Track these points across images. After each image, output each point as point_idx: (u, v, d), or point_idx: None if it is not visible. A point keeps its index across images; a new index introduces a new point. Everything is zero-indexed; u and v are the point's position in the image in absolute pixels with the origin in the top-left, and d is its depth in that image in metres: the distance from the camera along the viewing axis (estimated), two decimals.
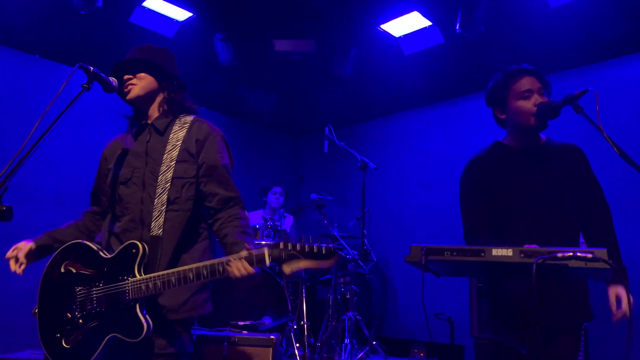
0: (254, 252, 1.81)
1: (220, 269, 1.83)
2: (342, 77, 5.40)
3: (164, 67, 2.23)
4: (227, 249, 2.03)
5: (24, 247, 2.13)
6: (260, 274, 1.88)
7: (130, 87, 2.18)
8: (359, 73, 5.45)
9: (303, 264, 1.75)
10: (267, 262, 1.79)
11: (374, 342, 4.75)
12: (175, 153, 2.13)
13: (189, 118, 2.26)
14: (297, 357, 4.33)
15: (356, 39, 5.22)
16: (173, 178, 2.09)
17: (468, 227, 2.25)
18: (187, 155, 2.14)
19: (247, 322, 3.82)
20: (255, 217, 5.35)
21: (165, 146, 2.15)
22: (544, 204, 2.18)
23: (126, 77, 2.19)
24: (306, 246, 1.75)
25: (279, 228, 4.83)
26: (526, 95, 2.21)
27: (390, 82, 5.72)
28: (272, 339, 3.28)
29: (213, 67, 5.40)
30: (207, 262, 1.86)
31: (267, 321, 3.97)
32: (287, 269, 1.76)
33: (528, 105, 2.20)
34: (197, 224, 2.16)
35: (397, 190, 6.29)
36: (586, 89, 1.98)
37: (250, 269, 1.81)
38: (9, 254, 2.12)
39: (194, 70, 5.49)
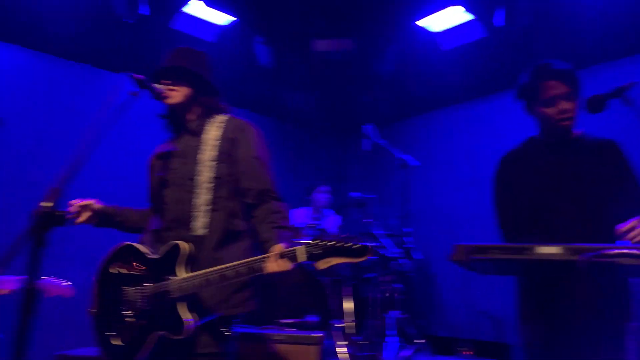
0: (289, 249, 1.86)
1: (257, 266, 1.89)
2: (381, 75, 5.38)
3: (201, 75, 2.29)
4: (261, 247, 2.08)
5: (87, 201, 2.25)
6: (297, 270, 1.95)
7: (168, 93, 2.23)
8: (399, 70, 5.42)
9: (337, 260, 1.80)
10: (302, 258, 1.84)
11: (419, 341, 4.71)
12: (212, 153, 2.18)
13: (223, 117, 2.31)
14: (342, 355, 4.35)
15: (394, 35, 5.20)
16: (212, 178, 2.15)
17: (500, 222, 2.22)
18: (223, 154, 2.19)
19: (292, 320, 3.86)
20: (299, 215, 5.40)
21: (200, 147, 2.21)
22: (573, 199, 2.12)
23: (164, 82, 2.24)
24: (339, 243, 1.79)
25: (322, 227, 4.86)
26: (550, 102, 2.15)
27: (429, 79, 5.65)
28: (318, 336, 3.31)
29: (254, 70, 5.48)
30: (245, 260, 1.91)
31: (311, 319, 4.01)
32: (322, 265, 1.81)
33: (552, 112, 2.15)
34: (238, 223, 2.19)
35: (441, 188, 6.22)
36: (635, 82, 1.91)
37: (286, 266, 1.85)
38: (74, 201, 2.23)
39: (235, 73, 5.58)
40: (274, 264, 1.86)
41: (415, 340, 4.67)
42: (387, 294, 4.95)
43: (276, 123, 6.95)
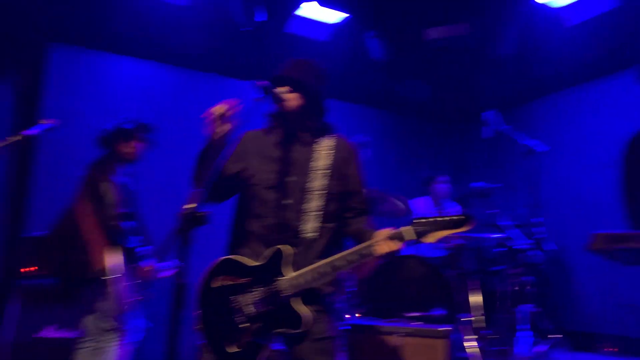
0: (397, 230, 2.04)
1: (367, 251, 2.06)
2: (499, 58, 5.15)
3: (314, 87, 2.36)
4: (359, 238, 2.25)
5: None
6: (422, 264, 2.02)
7: (286, 97, 2.31)
8: (519, 51, 5.15)
9: (442, 233, 1.99)
10: (410, 236, 2.02)
11: (555, 336, 4.45)
12: (323, 167, 2.30)
13: (332, 135, 2.42)
14: (471, 349, 4.24)
15: (512, 15, 4.94)
16: (323, 186, 2.27)
17: (630, 208, 2.02)
18: (334, 168, 2.31)
19: (417, 314, 3.84)
20: (419, 205, 5.34)
21: (311, 159, 2.32)
22: None
23: (281, 89, 2.30)
24: (440, 217, 2.00)
25: None
26: None
27: (553, 58, 5.30)
28: (445, 330, 3.26)
29: (367, 64, 5.51)
30: (353, 249, 2.09)
31: (437, 313, 3.95)
32: (431, 238, 2.00)
33: None
34: (337, 233, 2.35)
35: (572, 173, 5.80)
36: None
37: (396, 246, 2.03)
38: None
39: (349, 69, 5.65)
40: (384, 246, 2.03)
41: (550, 335, 4.42)
42: (517, 287, 4.73)
43: (393, 115, 6.93)
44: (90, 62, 5.21)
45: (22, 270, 3.78)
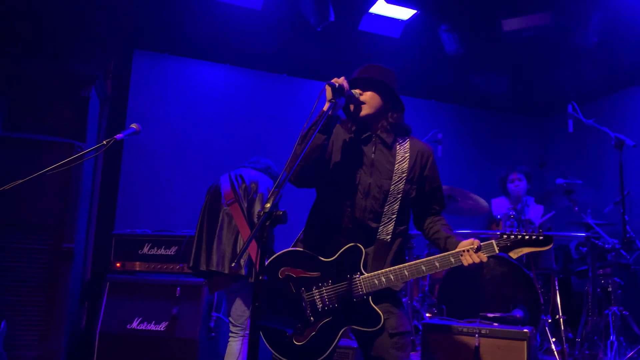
0: (485, 243, 2.14)
1: (453, 260, 2.14)
2: (584, 48, 4.88)
3: (393, 90, 2.34)
4: (441, 242, 2.32)
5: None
6: (505, 263, 2.10)
7: (364, 99, 2.30)
8: (604, 40, 4.86)
9: (526, 249, 2.15)
10: (495, 251, 2.14)
11: None
12: (404, 170, 2.31)
13: (409, 138, 2.42)
14: (555, 353, 4.07)
15: (598, 2, 4.67)
16: (401, 189, 2.29)
17: None
18: (413, 172, 2.33)
19: (497, 315, 3.73)
20: (497, 205, 5.18)
21: (392, 161, 2.32)
22: None
23: (359, 91, 2.30)
24: (525, 235, 2.15)
25: (523, 217, 4.58)
26: None
27: None
28: (526, 332, 3.15)
29: (441, 59, 5.41)
30: (438, 255, 2.16)
31: (518, 314, 3.82)
32: (513, 255, 2.16)
33: None
34: (406, 233, 2.41)
35: None
36: None
37: (483, 258, 2.11)
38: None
39: (422, 65, 5.58)
40: (469, 258, 2.11)
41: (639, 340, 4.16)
42: (605, 289, 4.48)
43: (469, 110, 6.77)
44: (171, 68, 5.47)
45: (117, 265, 4.04)
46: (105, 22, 4.73)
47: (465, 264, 2.11)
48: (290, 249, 2.37)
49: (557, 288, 4.57)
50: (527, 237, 2.14)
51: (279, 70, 5.82)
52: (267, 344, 2.21)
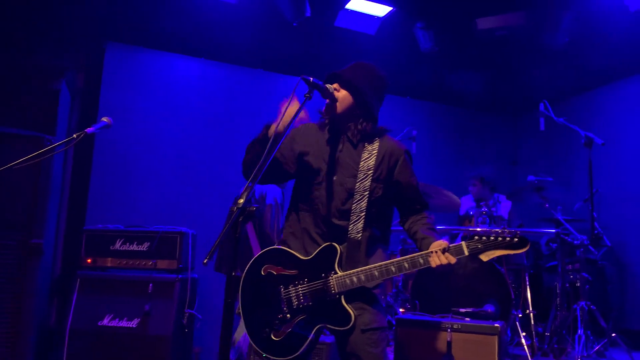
0: (454, 245, 2.08)
1: (422, 260, 2.12)
2: (556, 48, 4.96)
3: (365, 89, 2.31)
4: (418, 243, 2.30)
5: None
6: (476, 259, 2.07)
7: (337, 94, 2.28)
8: (575, 40, 4.95)
9: (499, 252, 2.05)
10: (466, 253, 2.07)
11: (613, 334, 4.29)
12: (370, 167, 2.28)
13: (379, 137, 2.37)
14: (525, 347, 4.15)
15: (569, 3, 4.76)
16: (369, 187, 2.27)
17: None
18: (380, 172, 2.30)
19: (469, 310, 3.78)
20: (465, 203, 5.24)
21: (357, 160, 2.30)
22: None
23: (335, 86, 2.30)
24: (499, 237, 2.05)
25: (495, 214, 4.65)
26: None
27: (613, 45, 5.08)
28: (497, 327, 3.20)
29: (416, 56, 5.44)
30: (408, 256, 2.13)
31: (489, 309, 3.88)
32: (484, 257, 2.07)
33: None
34: (383, 232, 2.39)
35: (633, 167, 5.56)
36: None
37: (451, 259, 2.06)
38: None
39: (397, 62, 5.60)
40: (437, 259, 2.08)
41: (607, 334, 4.27)
42: (574, 284, 4.58)
43: (443, 108, 6.83)
44: (145, 61, 5.38)
45: (88, 261, 3.97)
46: (77, 14, 4.64)
47: (434, 265, 2.09)
48: (273, 247, 2.38)
49: (527, 283, 4.65)
50: (500, 239, 2.05)
51: (254, 65, 5.77)
52: (250, 339, 2.24)
